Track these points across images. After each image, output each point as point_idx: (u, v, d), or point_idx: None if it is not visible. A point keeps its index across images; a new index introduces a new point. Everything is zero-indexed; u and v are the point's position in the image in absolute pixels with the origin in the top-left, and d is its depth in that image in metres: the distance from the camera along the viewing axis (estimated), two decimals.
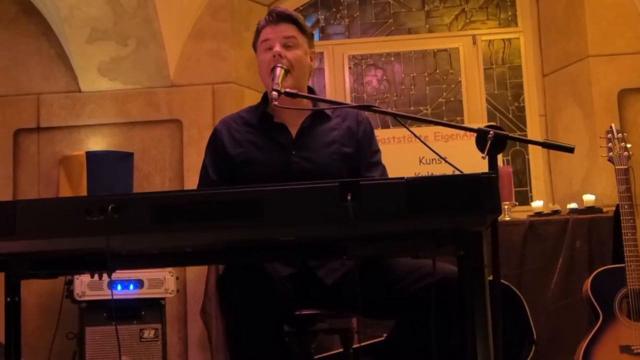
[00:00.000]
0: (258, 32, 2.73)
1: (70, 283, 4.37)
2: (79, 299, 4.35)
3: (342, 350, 2.73)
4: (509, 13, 5.71)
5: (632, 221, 3.93)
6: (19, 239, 1.94)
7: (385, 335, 2.52)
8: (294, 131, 2.70)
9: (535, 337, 4.18)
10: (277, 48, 2.62)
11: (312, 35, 2.79)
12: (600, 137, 4.16)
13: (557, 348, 4.36)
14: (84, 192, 4.79)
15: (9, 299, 2.18)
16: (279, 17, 2.68)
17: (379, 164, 2.75)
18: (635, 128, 4.91)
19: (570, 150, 2.26)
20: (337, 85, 5.72)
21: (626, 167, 4.03)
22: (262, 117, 2.72)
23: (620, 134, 4.07)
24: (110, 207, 1.89)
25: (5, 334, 2.19)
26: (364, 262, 2.47)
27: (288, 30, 2.67)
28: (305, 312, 2.53)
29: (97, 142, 5.18)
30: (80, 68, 5.16)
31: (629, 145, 4.06)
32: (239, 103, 5.12)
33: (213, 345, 4.72)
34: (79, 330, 4.43)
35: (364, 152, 2.72)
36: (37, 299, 4.75)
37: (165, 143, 5.21)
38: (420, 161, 4.89)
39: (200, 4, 5.27)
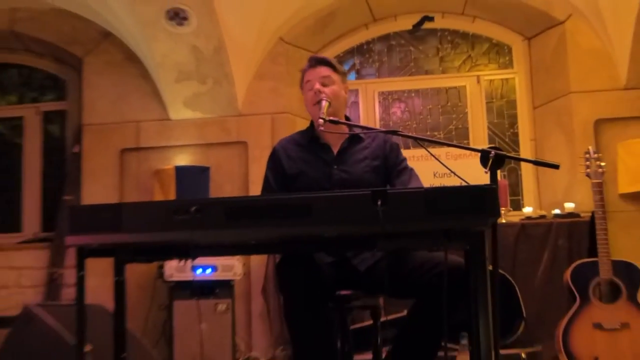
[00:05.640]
0: (302, 75, 2.75)
1: (161, 267, 4.42)
2: (168, 279, 4.40)
3: (372, 322, 2.72)
4: (507, 58, 5.65)
5: (604, 224, 3.88)
6: (123, 232, 1.97)
7: (406, 311, 2.51)
8: (335, 150, 2.70)
9: (525, 315, 4.13)
10: (317, 86, 2.64)
11: (345, 73, 2.79)
12: (580, 157, 4.11)
13: (542, 324, 4.29)
14: (173, 197, 4.85)
15: (117, 279, 2.21)
16: (316, 62, 2.71)
17: (406, 168, 2.72)
18: (608, 150, 4.80)
19: (556, 167, 2.24)
20: (369, 115, 5.71)
21: (600, 181, 3.98)
22: (311, 139, 2.74)
23: (596, 155, 4.02)
24: (193, 209, 1.91)
25: (115, 305, 2.23)
26: (389, 254, 2.47)
27: (323, 71, 2.68)
28: (343, 292, 2.53)
29: (183, 159, 5.24)
30: (170, 102, 5.24)
31: (602, 164, 4.00)
32: (292, 128, 5.14)
33: (271, 317, 4.74)
34: (168, 304, 4.48)
35: (393, 162, 2.71)
36: (136, 279, 4.80)
37: (234, 160, 5.24)
38: (435, 175, 4.85)
39: (263, 51, 5.31)
